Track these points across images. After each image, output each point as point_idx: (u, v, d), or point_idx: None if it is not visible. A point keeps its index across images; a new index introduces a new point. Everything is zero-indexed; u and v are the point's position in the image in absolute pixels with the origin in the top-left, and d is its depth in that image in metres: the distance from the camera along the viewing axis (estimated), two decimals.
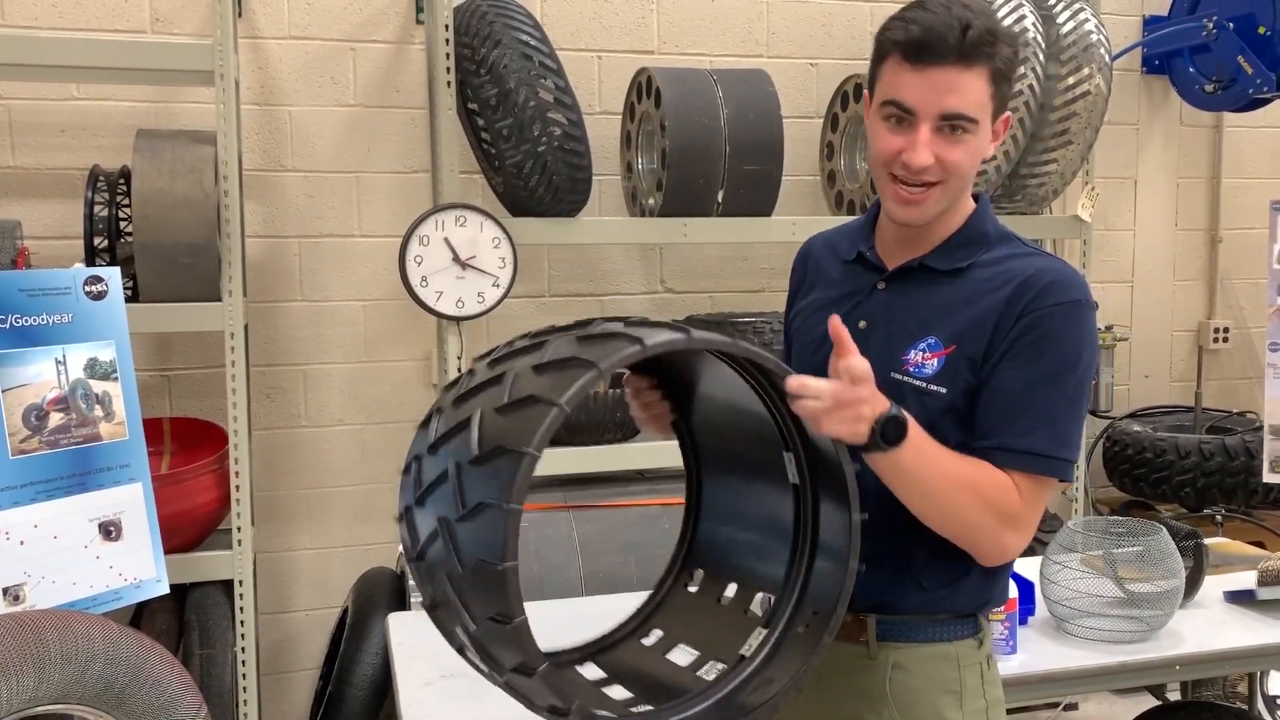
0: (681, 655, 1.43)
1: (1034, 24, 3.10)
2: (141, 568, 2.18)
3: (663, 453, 3.00)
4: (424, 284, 2.80)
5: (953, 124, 1.40)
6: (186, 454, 3.03)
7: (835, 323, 1.31)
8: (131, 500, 2.18)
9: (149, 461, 2.23)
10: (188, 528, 2.78)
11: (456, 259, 2.82)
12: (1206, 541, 2.55)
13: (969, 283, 1.47)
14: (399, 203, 3.28)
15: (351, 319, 3.30)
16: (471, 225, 2.83)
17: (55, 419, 2.08)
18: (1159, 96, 4.08)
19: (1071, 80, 3.18)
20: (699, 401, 1.52)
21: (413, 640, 2.27)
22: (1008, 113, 1.49)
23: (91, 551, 2.11)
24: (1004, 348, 1.42)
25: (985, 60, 1.39)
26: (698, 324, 2.69)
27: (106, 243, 2.72)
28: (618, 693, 1.34)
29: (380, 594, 3.02)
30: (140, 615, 2.84)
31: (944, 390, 1.44)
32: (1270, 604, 2.39)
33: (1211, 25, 3.75)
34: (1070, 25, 3.21)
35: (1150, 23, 4.00)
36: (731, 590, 1.47)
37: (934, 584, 1.48)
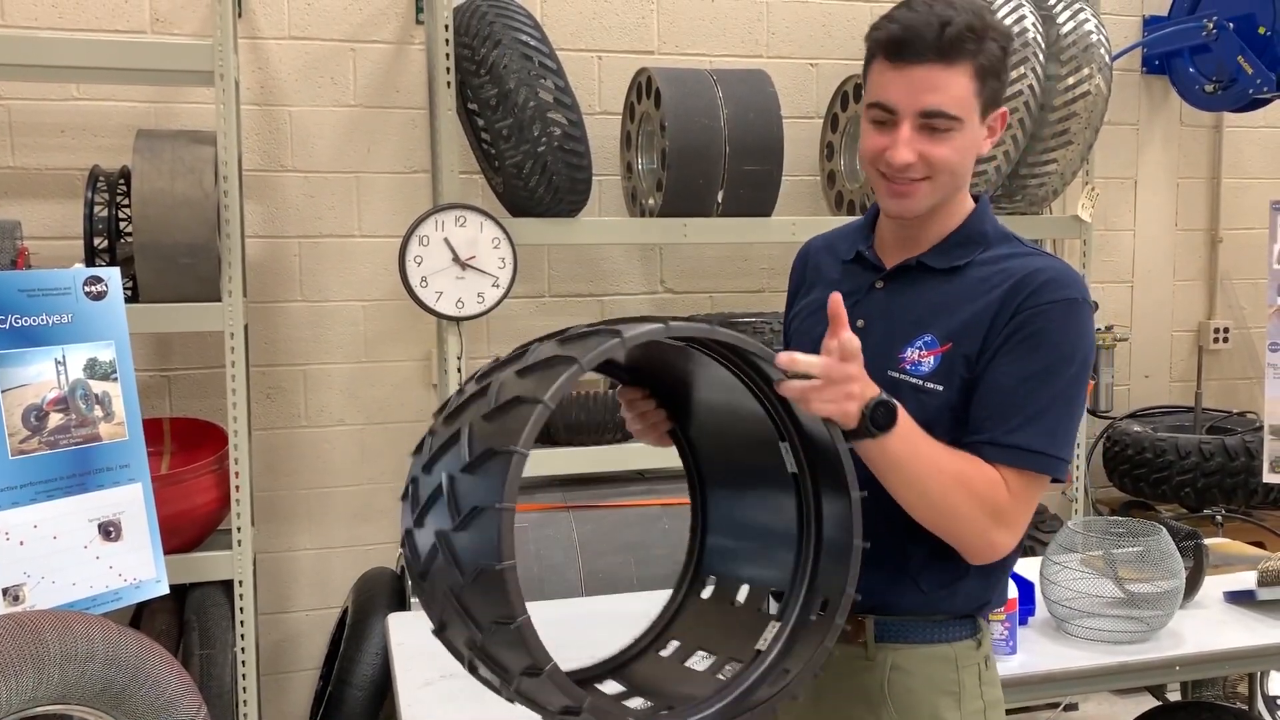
0: (700, 661, 1.42)
1: (1034, 24, 3.10)
2: (141, 568, 2.18)
3: (662, 453, 2.93)
4: (424, 284, 2.80)
5: (934, 122, 1.40)
6: (186, 454, 3.03)
7: (835, 300, 1.30)
8: (131, 500, 2.18)
9: (149, 462, 2.23)
10: (187, 528, 2.78)
11: (456, 259, 2.82)
12: (1206, 542, 2.55)
13: (966, 281, 1.47)
14: (399, 203, 3.28)
15: (351, 319, 3.30)
16: (471, 225, 2.82)
17: (55, 419, 2.08)
18: (1159, 96, 4.08)
19: (1071, 80, 3.18)
20: (694, 409, 1.51)
21: (413, 640, 2.27)
22: (1004, 108, 1.48)
23: (91, 552, 2.10)
24: (999, 344, 1.41)
25: (968, 57, 1.38)
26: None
27: (106, 243, 2.72)
28: (637, 704, 1.33)
29: (380, 594, 3.03)
30: (140, 615, 2.84)
31: (940, 388, 1.43)
32: (1270, 604, 2.39)
33: (1211, 25, 3.75)
34: (1070, 25, 3.21)
35: (1150, 23, 4.00)
36: (744, 593, 1.47)
37: (932, 585, 1.48)
